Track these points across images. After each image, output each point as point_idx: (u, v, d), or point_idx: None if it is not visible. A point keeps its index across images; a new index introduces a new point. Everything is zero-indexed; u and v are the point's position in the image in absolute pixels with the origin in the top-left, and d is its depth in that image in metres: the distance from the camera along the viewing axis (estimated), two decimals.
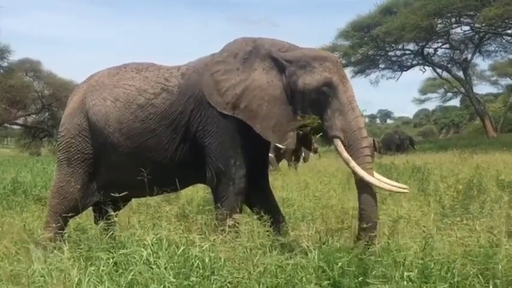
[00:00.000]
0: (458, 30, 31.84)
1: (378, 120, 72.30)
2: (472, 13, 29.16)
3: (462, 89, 35.76)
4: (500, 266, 3.20)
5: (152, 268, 3.17)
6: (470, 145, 22.15)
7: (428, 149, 23.47)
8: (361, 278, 3.19)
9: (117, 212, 3.99)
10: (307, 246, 3.50)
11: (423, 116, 59.74)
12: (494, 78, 42.21)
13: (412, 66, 35.21)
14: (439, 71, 35.37)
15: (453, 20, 30.55)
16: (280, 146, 4.55)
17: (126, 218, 4.43)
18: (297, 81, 4.10)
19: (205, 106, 4.21)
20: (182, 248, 3.34)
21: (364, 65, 34.28)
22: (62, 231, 4.34)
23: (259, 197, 4.43)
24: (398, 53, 34.85)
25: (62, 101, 31.85)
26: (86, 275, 3.14)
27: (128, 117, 4.30)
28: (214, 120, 4.20)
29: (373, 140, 18.75)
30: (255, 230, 3.81)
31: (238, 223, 3.86)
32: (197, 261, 3.25)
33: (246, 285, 3.10)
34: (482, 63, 66.85)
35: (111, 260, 3.36)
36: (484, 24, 29.26)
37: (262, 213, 4.08)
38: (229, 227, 3.73)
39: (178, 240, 3.48)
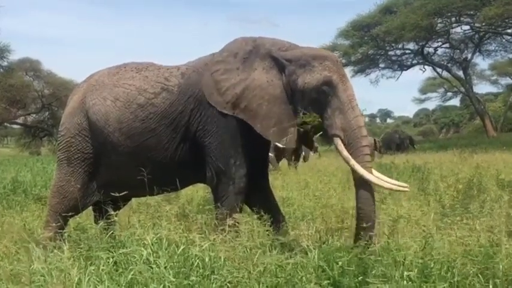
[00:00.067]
0: (458, 29, 31.92)
1: (377, 120, 72.33)
2: (472, 12, 29.17)
3: (462, 89, 35.76)
4: (500, 266, 3.20)
5: (152, 267, 3.17)
6: (470, 145, 22.14)
7: (428, 149, 23.49)
8: (361, 277, 3.19)
9: (117, 212, 3.98)
10: (307, 246, 3.50)
11: (423, 116, 59.75)
12: (494, 78, 42.37)
13: (412, 65, 35.22)
14: (439, 70, 35.40)
15: (453, 19, 30.57)
16: (280, 145, 4.54)
17: (126, 218, 4.44)
18: (297, 80, 4.10)
19: (205, 106, 4.21)
20: (182, 248, 3.34)
21: (364, 65, 34.29)
22: (62, 231, 4.35)
23: (259, 197, 4.42)
24: (398, 52, 34.87)
25: (61, 100, 31.86)
26: (86, 275, 3.14)
27: (128, 116, 4.29)
28: (214, 120, 4.20)
29: (374, 139, 18.76)
30: (255, 230, 3.81)
31: (238, 223, 3.86)
32: (197, 260, 3.25)
33: (246, 284, 3.10)
34: (482, 63, 66.94)
35: (111, 259, 3.36)
36: (484, 24, 29.28)
37: (262, 213, 4.08)
38: (229, 226, 3.73)
39: (178, 240, 3.48)
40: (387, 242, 3.71)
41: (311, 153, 13.58)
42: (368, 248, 3.56)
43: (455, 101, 47.93)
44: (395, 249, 3.49)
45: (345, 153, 3.94)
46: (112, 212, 3.93)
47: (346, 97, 4.01)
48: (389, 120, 71.51)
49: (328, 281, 3.17)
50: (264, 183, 4.54)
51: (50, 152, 33.05)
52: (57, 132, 4.90)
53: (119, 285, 3.08)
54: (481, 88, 63.99)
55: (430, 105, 65.12)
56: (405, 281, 3.11)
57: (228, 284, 3.11)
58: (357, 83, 36.78)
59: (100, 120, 4.38)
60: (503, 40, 32.62)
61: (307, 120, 4.05)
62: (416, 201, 5.89)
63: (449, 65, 34.59)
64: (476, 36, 32.36)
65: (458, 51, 33.79)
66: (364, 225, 3.78)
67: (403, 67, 35.28)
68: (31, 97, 36.39)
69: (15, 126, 40.07)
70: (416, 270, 3.21)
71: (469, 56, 34.13)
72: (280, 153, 12.41)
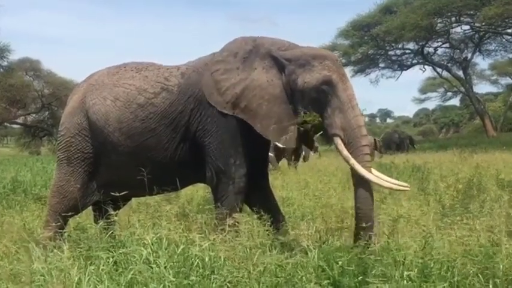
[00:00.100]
0: (458, 29, 31.95)
1: (377, 120, 72.32)
2: (472, 12, 29.17)
3: (462, 88, 35.77)
4: (500, 265, 3.20)
5: (152, 267, 3.17)
6: (470, 144, 22.13)
7: (428, 149, 23.52)
8: (360, 277, 3.18)
9: (117, 211, 3.98)
10: (307, 246, 3.49)
11: (423, 115, 59.76)
12: (494, 78, 42.40)
13: (412, 65, 35.24)
14: (439, 70, 35.41)
15: (453, 19, 30.58)
16: (280, 145, 4.54)
17: (126, 217, 4.44)
18: (297, 79, 4.10)
19: (205, 105, 4.21)
20: (182, 247, 3.34)
21: (364, 64, 34.30)
22: (61, 231, 4.34)
23: (259, 196, 4.42)
24: (398, 52, 34.89)
25: (61, 100, 31.83)
26: (86, 274, 3.14)
27: (128, 116, 4.29)
28: (214, 120, 4.20)
29: (374, 139, 18.77)
30: (254, 229, 3.81)
31: (238, 222, 3.86)
32: (197, 260, 3.25)
33: (246, 284, 3.10)
34: (482, 63, 66.83)
35: (111, 259, 3.36)
36: (484, 24, 29.30)
37: (262, 213, 4.08)
38: (229, 226, 3.74)
39: (178, 240, 3.47)
40: (387, 242, 3.71)
41: (311, 153, 13.58)
42: (368, 247, 3.56)
43: (455, 101, 48.05)
44: (395, 249, 3.48)
45: (345, 152, 3.94)
46: (112, 212, 3.93)
47: (346, 96, 4.01)
48: (389, 120, 71.59)
49: (328, 281, 3.17)
50: (264, 183, 4.54)
51: (50, 151, 33.05)
52: (57, 132, 4.90)
53: (118, 285, 3.08)
54: (481, 88, 64.13)
55: (430, 105, 65.12)
56: (405, 281, 3.11)
57: (227, 283, 3.11)
58: (357, 82, 36.81)
59: (100, 120, 4.38)
60: (503, 40, 32.65)
61: (308, 119, 4.05)
62: (416, 201, 5.89)
63: (449, 64, 34.61)
64: (476, 36, 32.38)
65: (458, 51, 33.80)
66: (363, 225, 3.77)
67: (403, 67, 35.30)
68: (31, 97, 36.37)
69: (15, 126, 40.08)
70: (416, 270, 3.20)
71: (469, 55, 34.19)
72: (280, 153, 12.41)
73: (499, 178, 7.35)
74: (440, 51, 34.77)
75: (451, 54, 34.52)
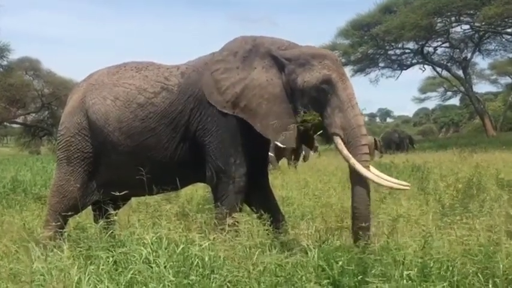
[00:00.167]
0: (458, 29, 31.93)
1: (377, 119, 72.29)
2: (471, 12, 29.16)
3: (462, 88, 35.76)
4: (500, 265, 3.20)
5: (152, 267, 3.17)
6: (470, 144, 22.11)
7: (428, 148, 23.52)
8: (360, 276, 3.18)
9: (116, 211, 3.99)
10: (307, 245, 3.49)
11: (423, 115, 59.74)
12: (493, 77, 42.41)
13: (411, 65, 35.22)
14: (438, 69, 35.39)
15: (453, 18, 30.57)
16: (280, 144, 4.54)
17: (126, 217, 4.44)
18: (296, 79, 4.10)
19: (205, 105, 4.21)
20: (182, 247, 3.34)
21: (364, 64, 34.29)
22: (61, 230, 4.35)
23: (259, 196, 4.43)
24: (398, 51, 34.87)
25: (61, 99, 31.82)
26: (86, 274, 3.14)
27: (128, 116, 4.29)
28: (214, 119, 4.20)
29: (375, 139, 18.79)
30: (254, 229, 3.80)
31: (237, 222, 3.86)
32: (197, 260, 3.25)
33: (246, 284, 3.09)
34: (482, 62, 66.76)
35: (110, 258, 3.36)
36: (483, 23, 29.29)
37: (262, 212, 4.07)
38: (228, 225, 3.74)
39: (178, 239, 3.47)
40: (387, 242, 3.71)
41: (311, 152, 13.58)
42: (368, 247, 3.56)
43: (455, 101, 48.03)
44: (395, 249, 3.48)
45: (345, 151, 3.94)
46: (112, 211, 3.93)
47: (346, 96, 4.01)
48: (389, 120, 71.56)
49: (328, 280, 3.17)
50: (263, 182, 4.54)
51: (50, 151, 33.02)
52: (57, 132, 4.90)
53: (118, 285, 3.08)
54: (481, 87, 64.21)
55: (430, 104, 65.26)
56: (405, 280, 3.11)
57: (227, 283, 3.11)
58: (357, 82, 36.75)
59: (100, 119, 4.38)
60: (503, 39, 32.64)
61: (307, 118, 4.05)
62: (415, 201, 5.89)
63: (449, 64, 34.60)
64: (476, 35, 32.37)
65: (458, 50, 33.79)
66: (361, 224, 3.77)
67: (403, 66, 35.28)
68: (31, 96, 36.35)
69: (14, 125, 40.06)
70: (415, 269, 3.20)
71: (469, 55, 34.17)
72: (280, 153, 12.41)
73: (498, 178, 7.35)
74: (440, 50, 34.83)
75: (451, 54, 34.53)
